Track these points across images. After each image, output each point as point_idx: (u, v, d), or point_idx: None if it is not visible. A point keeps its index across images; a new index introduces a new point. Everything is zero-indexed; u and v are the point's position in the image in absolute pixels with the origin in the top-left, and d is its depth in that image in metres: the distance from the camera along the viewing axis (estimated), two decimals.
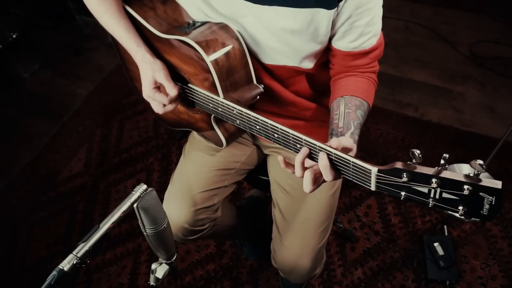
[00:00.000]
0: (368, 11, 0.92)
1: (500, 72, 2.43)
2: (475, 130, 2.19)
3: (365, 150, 2.15)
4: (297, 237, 1.19)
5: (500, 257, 1.75)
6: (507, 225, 1.83)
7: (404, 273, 1.75)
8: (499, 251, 1.77)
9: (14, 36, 2.73)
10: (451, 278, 1.69)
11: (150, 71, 1.04)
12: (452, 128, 2.21)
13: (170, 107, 1.06)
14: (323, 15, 0.91)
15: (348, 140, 0.88)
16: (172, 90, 1.02)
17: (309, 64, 1.05)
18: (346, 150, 0.84)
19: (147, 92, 1.06)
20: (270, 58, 1.03)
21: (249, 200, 1.94)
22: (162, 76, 1.03)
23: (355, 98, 1.00)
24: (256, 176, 1.40)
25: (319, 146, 0.82)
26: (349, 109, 0.98)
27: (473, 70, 2.48)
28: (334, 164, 0.82)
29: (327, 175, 0.81)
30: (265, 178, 1.35)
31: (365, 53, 1.01)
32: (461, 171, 1.92)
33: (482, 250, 1.78)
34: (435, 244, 1.74)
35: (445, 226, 1.83)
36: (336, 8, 0.90)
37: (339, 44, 1.00)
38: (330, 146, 0.81)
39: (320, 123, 1.23)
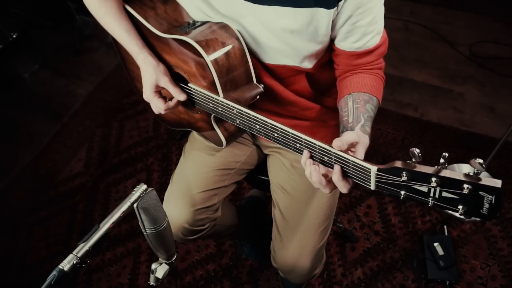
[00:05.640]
0: (369, 11, 0.92)
1: (500, 72, 2.43)
2: (475, 130, 2.19)
3: None
4: (297, 237, 1.19)
5: (500, 257, 1.75)
6: (507, 225, 1.83)
7: (404, 273, 1.75)
8: (499, 251, 1.77)
9: (14, 36, 2.72)
10: (451, 278, 1.69)
11: (153, 75, 1.05)
12: (452, 128, 2.21)
13: (170, 107, 1.07)
14: (322, 15, 0.91)
15: (351, 134, 0.84)
16: (180, 95, 1.05)
17: (309, 64, 1.05)
18: (352, 145, 0.82)
19: (147, 95, 1.07)
20: (270, 57, 1.03)
21: (249, 200, 1.93)
22: (166, 81, 1.05)
23: (363, 94, 0.98)
24: (256, 176, 1.40)
25: (318, 146, 0.82)
26: (357, 104, 0.95)
27: (473, 70, 2.48)
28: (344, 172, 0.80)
29: (342, 188, 0.81)
30: (265, 178, 1.35)
31: (369, 52, 1.00)
32: (461, 171, 1.91)
33: (482, 250, 1.78)
34: (435, 244, 1.74)
35: (445, 226, 1.83)
36: (335, 7, 0.90)
37: (342, 45, 0.99)
38: (330, 146, 0.81)
39: (321, 123, 1.22)
